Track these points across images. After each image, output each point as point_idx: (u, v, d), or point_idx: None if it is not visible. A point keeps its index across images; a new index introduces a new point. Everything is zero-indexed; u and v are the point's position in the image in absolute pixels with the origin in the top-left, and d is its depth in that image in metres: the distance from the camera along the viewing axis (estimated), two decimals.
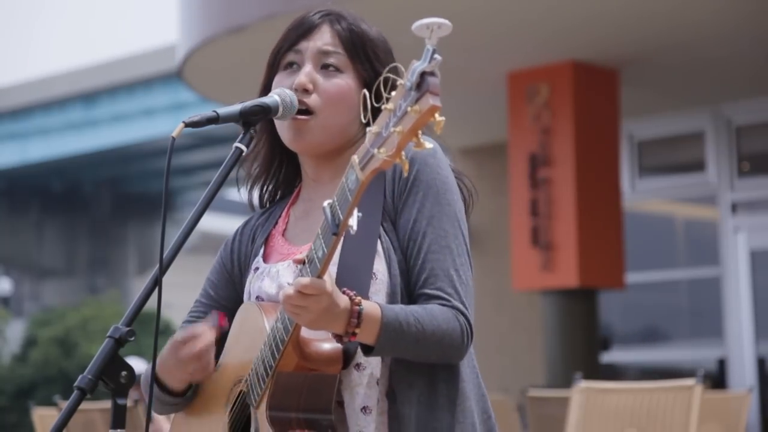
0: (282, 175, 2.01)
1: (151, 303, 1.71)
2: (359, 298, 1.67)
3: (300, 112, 1.85)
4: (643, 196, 9.46)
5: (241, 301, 1.96)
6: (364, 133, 1.87)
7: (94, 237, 32.84)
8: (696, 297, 9.63)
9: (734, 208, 8.91)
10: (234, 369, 1.86)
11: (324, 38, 1.89)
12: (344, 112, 1.86)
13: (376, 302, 1.71)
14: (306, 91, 1.85)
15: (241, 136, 1.82)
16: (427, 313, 1.73)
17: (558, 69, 7.67)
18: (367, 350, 1.71)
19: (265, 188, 2.02)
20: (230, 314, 1.97)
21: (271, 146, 1.97)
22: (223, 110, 1.80)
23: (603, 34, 7.24)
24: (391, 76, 1.48)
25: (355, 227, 1.54)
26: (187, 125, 1.74)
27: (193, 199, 30.50)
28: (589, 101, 7.76)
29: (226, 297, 1.99)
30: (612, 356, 9.38)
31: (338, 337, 1.68)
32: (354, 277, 1.74)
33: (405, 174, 1.50)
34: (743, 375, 8.65)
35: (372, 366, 1.79)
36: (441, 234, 1.79)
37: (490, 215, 9.15)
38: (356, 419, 1.78)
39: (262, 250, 1.95)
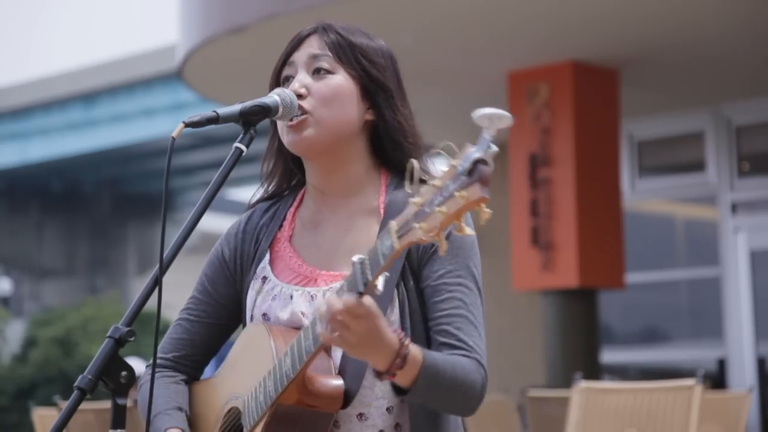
0: (289, 176, 2.01)
1: (151, 303, 1.70)
2: (408, 339, 1.67)
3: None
4: (643, 196, 9.46)
5: (239, 300, 1.95)
6: (365, 135, 1.90)
7: (94, 237, 32.84)
8: (696, 297, 9.64)
9: (734, 208, 8.91)
10: (232, 384, 1.86)
11: (312, 46, 1.91)
12: (338, 109, 1.86)
13: (419, 347, 1.71)
14: (300, 96, 1.86)
15: (241, 136, 1.82)
16: (458, 363, 1.76)
17: (558, 69, 7.68)
18: (400, 392, 1.71)
19: (270, 184, 2.01)
20: (226, 311, 1.97)
21: (279, 146, 1.98)
22: (223, 110, 1.80)
23: (603, 34, 7.24)
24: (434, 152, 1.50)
25: (381, 289, 1.56)
26: (187, 125, 1.74)
27: (193, 199, 30.49)
28: (589, 101, 7.76)
29: (225, 295, 1.97)
30: (612, 356, 9.38)
31: (378, 374, 1.67)
32: None
33: (441, 253, 1.50)
34: (743, 375, 8.65)
35: (374, 417, 1.80)
36: (466, 292, 1.82)
37: (490, 215, 9.15)
38: None
39: (268, 255, 1.93)
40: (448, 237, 1.79)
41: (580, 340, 7.76)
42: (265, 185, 2.01)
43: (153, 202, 32.04)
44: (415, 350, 1.67)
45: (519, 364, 9.46)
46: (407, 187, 1.51)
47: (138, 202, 32.19)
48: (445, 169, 1.43)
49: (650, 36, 7.27)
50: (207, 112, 1.78)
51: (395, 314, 1.80)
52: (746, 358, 8.70)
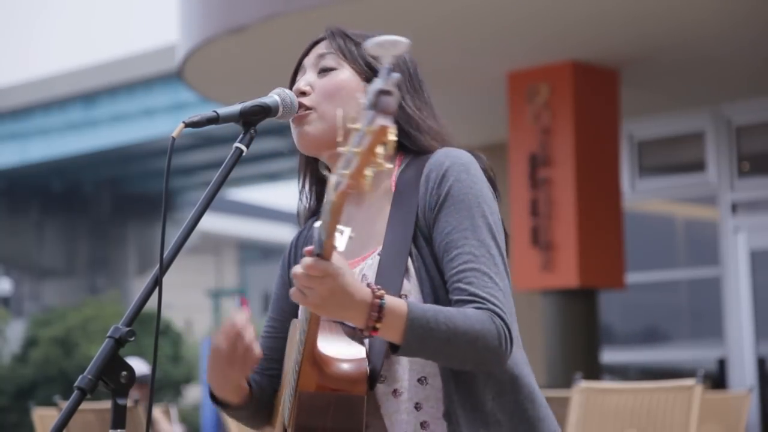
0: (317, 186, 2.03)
1: (152, 303, 1.71)
2: (382, 291, 1.64)
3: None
4: (643, 196, 9.47)
5: None
6: None
7: (95, 237, 32.85)
8: (696, 297, 9.64)
9: (734, 208, 8.92)
10: (285, 385, 1.88)
11: (320, 49, 1.94)
12: (341, 102, 1.87)
13: (404, 299, 1.68)
14: (304, 94, 1.88)
15: (241, 136, 1.82)
16: (460, 313, 1.69)
17: (558, 69, 7.68)
18: (394, 349, 1.68)
19: (306, 197, 2.03)
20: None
21: (317, 178, 2.01)
22: (223, 110, 1.80)
23: (603, 34, 7.24)
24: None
25: (341, 247, 1.54)
26: (187, 125, 1.74)
27: (193, 200, 30.49)
28: (589, 101, 7.76)
29: (290, 310, 1.99)
30: (612, 356, 9.38)
31: (360, 331, 1.65)
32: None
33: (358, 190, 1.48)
34: (743, 375, 8.65)
35: (408, 391, 1.77)
36: (475, 244, 1.76)
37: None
38: None
39: None
40: (452, 194, 1.78)
41: (580, 340, 7.76)
42: (306, 209, 2.03)
43: (153, 202, 32.05)
44: (395, 302, 1.65)
45: None
46: (337, 136, 1.49)
47: (138, 202, 32.19)
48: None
49: (650, 36, 7.27)
50: (207, 112, 1.79)
51: (412, 283, 1.78)
52: (746, 358, 8.71)
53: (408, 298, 1.76)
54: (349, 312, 1.62)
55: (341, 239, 1.53)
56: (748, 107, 8.86)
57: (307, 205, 2.03)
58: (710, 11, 6.84)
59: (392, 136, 1.38)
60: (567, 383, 5.55)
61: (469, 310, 1.70)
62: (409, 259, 1.78)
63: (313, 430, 1.71)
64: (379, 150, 1.39)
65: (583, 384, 4.49)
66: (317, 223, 1.56)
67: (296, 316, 1.98)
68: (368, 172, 1.42)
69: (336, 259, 1.58)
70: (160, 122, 25.12)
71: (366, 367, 1.73)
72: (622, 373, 9.72)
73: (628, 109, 8.39)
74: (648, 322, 10.15)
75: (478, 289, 1.73)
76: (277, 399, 1.99)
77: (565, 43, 7.40)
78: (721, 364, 8.88)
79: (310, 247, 1.61)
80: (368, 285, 1.64)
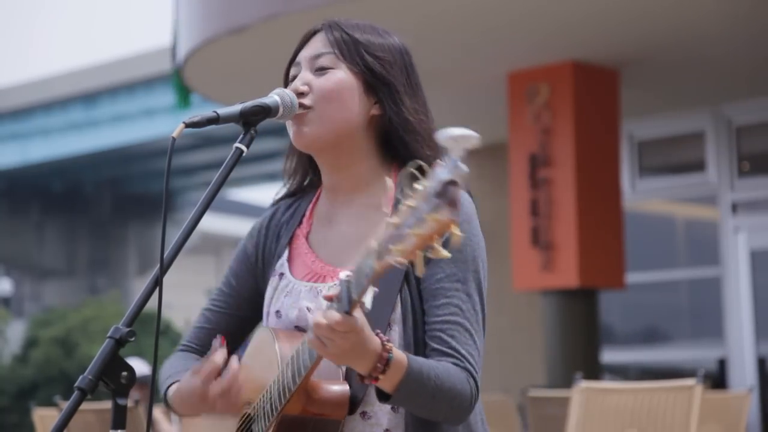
0: (309, 174, 2.02)
1: (152, 303, 1.70)
2: (391, 344, 1.67)
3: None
4: (643, 196, 9.46)
5: (260, 293, 1.97)
6: (373, 131, 1.89)
7: (95, 237, 32.85)
8: (696, 297, 9.63)
9: (734, 208, 8.92)
10: (245, 390, 1.86)
11: (316, 45, 1.92)
12: (339, 103, 1.87)
13: (404, 353, 1.71)
14: (302, 94, 1.87)
15: (241, 136, 1.82)
16: (445, 371, 1.74)
17: (558, 69, 7.68)
18: (383, 397, 1.71)
19: (290, 181, 2.03)
20: (248, 304, 2.00)
21: (304, 160, 2.01)
22: (223, 111, 1.80)
23: (603, 34, 7.24)
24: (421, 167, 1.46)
25: (368, 306, 1.57)
26: (187, 126, 1.73)
27: (194, 200, 30.49)
28: (589, 101, 7.76)
29: (247, 288, 2.00)
30: (612, 356, 9.38)
31: (360, 377, 1.68)
32: (373, 317, 1.72)
33: (418, 273, 1.46)
34: (743, 375, 8.65)
35: (378, 416, 1.80)
36: (464, 298, 1.80)
37: (491, 215, 9.15)
38: None
39: (287, 252, 1.95)
40: (447, 242, 1.78)
41: (580, 340, 7.76)
42: (287, 182, 2.03)
43: (153, 203, 32.05)
44: (399, 356, 1.67)
45: (519, 364, 9.46)
46: (383, 207, 1.50)
47: (138, 202, 32.20)
48: (419, 188, 1.41)
49: (650, 36, 7.27)
50: (207, 112, 1.78)
51: (397, 315, 1.80)
52: (746, 358, 8.70)
53: (391, 328, 1.79)
54: (359, 362, 1.65)
55: (368, 298, 1.56)
56: (748, 107, 8.85)
57: (289, 188, 2.02)
58: (710, 11, 6.83)
59: (456, 230, 1.39)
60: (567, 383, 5.55)
61: (451, 368, 1.75)
62: (399, 294, 1.81)
63: None
64: (437, 238, 1.40)
65: (584, 384, 4.49)
66: (345, 275, 1.57)
67: (251, 298, 1.97)
68: (420, 252, 1.42)
69: (357, 313, 1.61)
70: (160, 122, 25.12)
71: (348, 392, 1.77)
72: (623, 373, 9.72)
73: (628, 109, 8.39)
74: (648, 322, 10.15)
75: (459, 346, 1.77)
76: None
77: (565, 43, 7.40)
78: (722, 364, 8.88)
79: (331, 294, 1.62)
80: (377, 334, 1.66)
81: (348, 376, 1.78)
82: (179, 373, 1.91)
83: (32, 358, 24.25)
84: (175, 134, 1.71)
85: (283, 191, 2.03)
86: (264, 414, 1.78)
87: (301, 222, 1.97)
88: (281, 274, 1.93)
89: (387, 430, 1.81)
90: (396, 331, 1.80)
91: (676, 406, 4.23)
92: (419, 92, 1.94)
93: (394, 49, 1.93)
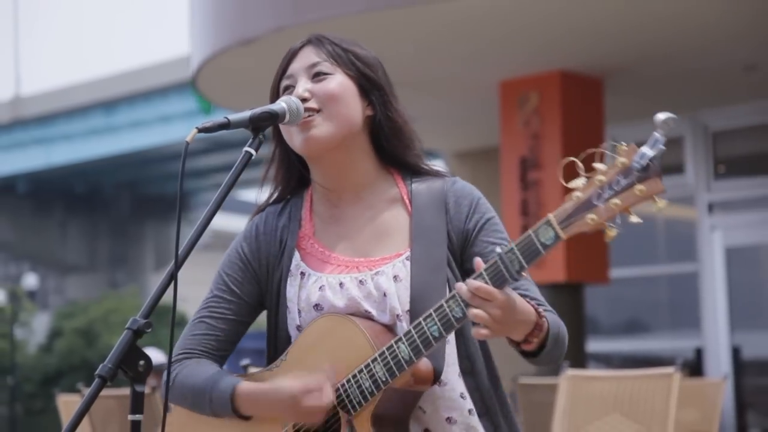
0: (293, 179, 1.99)
1: (167, 297, 1.70)
2: (542, 308, 1.76)
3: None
4: None
5: (261, 298, 1.94)
6: (366, 131, 1.89)
7: (115, 235, 32.84)
8: (675, 291, 9.63)
9: (711, 208, 8.91)
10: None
11: (309, 56, 1.91)
12: (344, 104, 1.86)
13: (541, 311, 1.76)
14: (305, 100, 1.86)
15: (250, 140, 1.81)
16: (556, 320, 1.82)
17: (547, 78, 7.67)
18: (528, 354, 1.78)
19: (277, 188, 2.00)
20: (249, 309, 1.95)
21: (283, 152, 1.97)
22: (233, 117, 1.79)
23: (589, 46, 7.24)
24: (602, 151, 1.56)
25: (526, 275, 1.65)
26: (200, 131, 1.73)
27: (206, 200, 30.46)
28: (576, 108, 7.76)
29: (249, 293, 1.95)
30: (597, 346, 9.37)
31: (514, 343, 1.74)
32: (427, 306, 1.73)
33: (608, 239, 1.56)
34: (719, 363, 8.64)
35: (453, 383, 1.84)
36: None
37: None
38: (442, 428, 1.84)
39: (297, 253, 1.92)
40: (490, 220, 1.91)
41: (567, 331, 7.75)
42: (272, 189, 2.00)
43: (169, 203, 32.03)
44: (544, 319, 1.75)
45: (510, 353, 9.40)
46: (575, 182, 1.55)
47: (155, 202, 32.19)
48: (605, 167, 1.51)
49: (633, 48, 7.26)
50: (219, 118, 1.77)
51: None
52: (722, 347, 8.70)
53: None
54: (517, 330, 1.71)
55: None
56: (723, 114, 8.85)
57: (280, 195, 1.99)
58: (689, 25, 6.83)
59: (661, 198, 1.50)
60: (555, 371, 5.55)
61: (555, 317, 1.83)
62: (449, 271, 1.84)
63: (382, 417, 1.77)
64: (634, 207, 1.51)
65: (570, 372, 4.48)
66: (502, 250, 1.64)
67: (254, 303, 1.93)
68: (621, 215, 1.53)
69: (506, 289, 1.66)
70: (175, 128, 25.12)
71: (431, 366, 1.79)
72: (607, 361, 9.71)
73: (612, 116, 8.39)
74: (630, 314, 10.15)
75: (537, 296, 1.87)
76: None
77: (553, 55, 7.40)
78: (698, 353, 8.87)
79: (484, 275, 1.67)
80: (529, 302, 1.72)
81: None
82: (225, 375, 1.85)
83: (56, 348, 24.25)
84: (188, 139, 1.71)
85: (275, 196, 1.99)
86: (361, 391, 1.76)
87: (301, 225, 1.95)
88: (302, 273, 1.89)
89: (462, 393, 1.85)
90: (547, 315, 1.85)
91: (656, 393, 4.22)
92: (397, 97, 1.95)
93: (375, 59, 1.95)
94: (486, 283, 1.62)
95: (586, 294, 8.01)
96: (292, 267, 1.91)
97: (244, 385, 1.82)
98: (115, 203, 32.41)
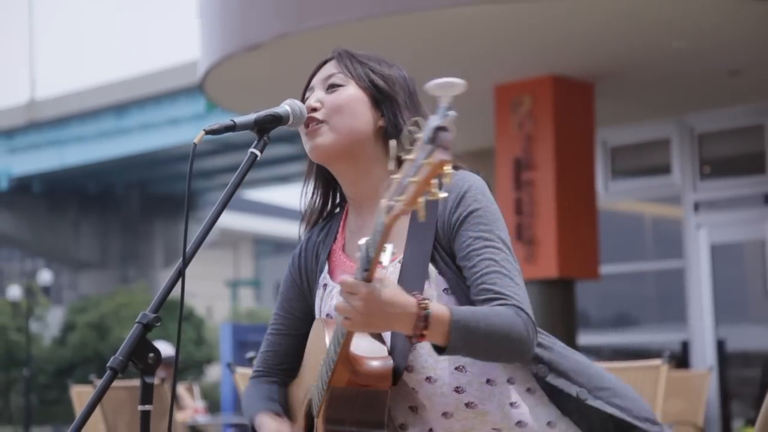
0: (330, 197, 2.01)
1: (176, 292, 1.70)
2: (427, 301, 1.61)
3: (308, 126, 1.87)
4: (615, 196, 9.46)
5: (312, 313, 1.96)
6: (381, 141, 1.88)
7: (125, 233, 32.85)
8: (662, 286, 9.63)
9: (696, 207, 8.91)
10: (306, 379, 1.87)
11: (329, 68, 1.92)
12: (349, 115, 1.86)
13: (445, 305, 1.67)
14: (315, 110, 1.87)
15: (255, 142, 1.81)
16: (492, 311, 1.69)
17: (540, 82, 7.67)
18: (440, 350, 1.66)
19: (318, 211, 2.01)
20: (302, 323, 1.97)
21: (323, 182, 1.98)
22: (239, 119, 1.79)
23: (580, 52, 7.24)
24: (414, 128, 1.44)
25: (386, 263, 1.54)
26: (207, 133, 1.73)
27: (213, 199, 30.48)
28: (568, 111, 7.75)
29: (298, 308, 1.98)
30: (588, 339, 9.37)
31: (408, 338, 1.64)
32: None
33: (420, 218, 1.43)
34: (704, 356, 8.65)
35: (444, 378, 1.78)
36: (494, 251, 1.76)
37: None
38: (439, 423, 1.80)
39: (326, 267, 1.93)
40: (472, 213, 1.79)
41: (559, 325, 7.75)
42: (312, 211, 2.00)
43: (177, 202, 32.03)
44: (439, 309, 1.63)
45: None
46: (389, 165, 1.48)
47: (164, 201, 32.20)
48: (415, 147, 1.40)
49: (622, 53, 7.26)
50: (225, 120, 1.77)
51: (433, 287, 1.78)
52: (707, 340, 8.70)
53: (432, 299, 1.76)
54: (397, 323, 1.61)
55: (386, 256, 1.53)
56: (709, 117, 8.85)
57: (314, 207, 2.01)
58: (676, 33, 6.83)
59: (449, 169, 1.37)
60: None
61: (498, 308, 1.70)
62: (431, 266, 1.78)
63: (342, 422, 1.71)
64: (434, 181, 1.38)
65: None
66: (362, 241, 1.55)
67: (305, 317, 1.97)
68: (421, 199, 1.40)
69: (381, 273, 1.57)
70: (183, 130, 25.12)
71: (391, 365, 1.73)
72: (597, 354, 9.71)
73: (602, 119, 8.39)
74: (620, 309, 10.15)
75: (502, 288, 1.73)
76: (291, 393, 1.97)
77: (546, 60, 7.39)
78: (685, 346, 8.87)
79: (355, 263, 1.61)
80: (413, 295, 1.62)
81: (392, 351, 1.76)
82: (259, 401, 1.92)
83: (70, 341, 24.26)
84: (196, 140, 1.70)
85: (315, 217, 2.00)
86: (317, 392, 1.77)
87: (335, 238, 1.96)
88: (325, 285, 1.92)
89: (457, 387, 1.79)
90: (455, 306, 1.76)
91: (644, 384, 4.22)
92: (421, 112, 1.91)
93: (398, 74, 1.93)
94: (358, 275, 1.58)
95: (577, 289, 8.01)
96: (320, 279, 1.93)
97: (257, 421, 1.90)
98: (125, 202, 32.41)
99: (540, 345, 1.83)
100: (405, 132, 1.85)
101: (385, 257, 1.53)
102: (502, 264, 1.75)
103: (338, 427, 1.71)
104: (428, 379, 1.79)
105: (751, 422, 7.61)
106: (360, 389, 1.71)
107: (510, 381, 1.80)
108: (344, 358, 1.69)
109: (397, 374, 1.74)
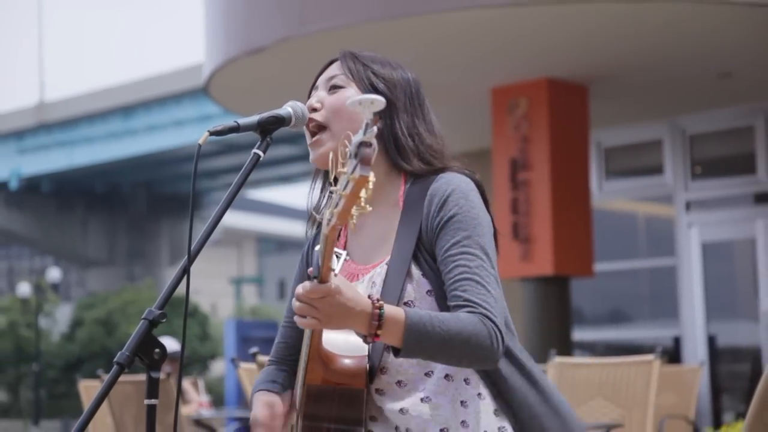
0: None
1: (181, 289, 1.70)
2: (381, 302, 1.61)
3: (314, 134, 1.86)
4: (609, 196, 9.46)
5: None
6: (380, 141, 1.87)
7: (132, 232, 32.85)
8: (655, 283, 9.63)
9: (688, 206, 8.91)
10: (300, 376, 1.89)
11: (333, 70, 1.91)
12: (348, 117, 1.84)
13: (402, 307, 1.66)
14: (315, 110, 1.86)
15: (258, 143, 1.81)
16: (453, 317, 1.67)
17: (535, 85, 7.67)
18: (396, 351, 1.65)
19: (318, 197, 2.01)
20: None
21: (329, 183, 1.98)
22: (242, 121, 1.78)
23: (574, 55, 7.24)
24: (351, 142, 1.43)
25: (337, 270, 1.55)
26: (211, 134, 1.72)
27: (217, 199, 30.47)
28: (563, 113, 7.75)
29: None
30: (582, 335, 9.37)
31: (364, 338, 1.63)
32: (388, 298, 1.72)
33: (352, 229, 1.44)
34: (695, 351, 8.64)
35: (413, 383, 1.77)
36: (470, 258, 1.74)
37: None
38: (397, 418, 1.78)
39: None
40: (452, 218, 1.77)
41: (554, 321, 7.75)
42: (315, 200, 2.00)
43: (182, 201, 32.05)
44: (393, 310, 1.62)
45: None
46: (330, 176, 1.48)
47: (169, 201, 32.20)
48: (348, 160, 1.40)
49: (616, 57, 7.26)
50: (229, 122, 1.77)
51: (415, 289, 1.77)
52: (698, 336, 8.70)
53: (414, 303, 1.75)
54: (352, 323, 1.60)
55: (337, 263, 1.53)
56: (700, 119, 8.85)
57: (320, 207, 1.99)
58: (667, 37, 6.83)
59: (371, 185, 1.36)
60: (543, 359, 5.55)
61: (461, 314, 1.68)
62: (414, 267, 1.77)
63: (320, 418, 1.70)
64: (362, 194, 1.38)
65: (557, 359, 4.48)
66: (317, 248, 1.55)
67: None
68: (354, 211, 1.40)
69: (333, 279, 1.57)
70: (188, 132, 25.12)
71: (366, 364, 1.72)
72: (591, 349, 9.71)
73: (597, 120, 8.38)
74: (613, 305, 10.15)
75: (471, 296, 1.70)
76: (297, 382, 1.97)
77: (541, 63, 7.39)
78: (677, 341, 8.87)
79: (310, 270, 1.61)
80: (369, 296, 1.62)
81: (371, 351, 1.75)
82: (260, 384, 1.93)
83: (78, 337, 24.26)
84: (200, 141, 1.70)
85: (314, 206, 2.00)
86: (299, 390, 1.77)
87: (339, 236, 1.94)
88: None
89: (427, 396, 1.77)
90: (416, 302, 1.76)
91: (637, 378, 4.22)
92: (423, 114, 1.90)
93: (401, 76, 1.91)
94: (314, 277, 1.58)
95: (572, 286, 8.01)
96: None
97: (253, 399, 1.92)
98: (132, 202, 32.41)
99: (521, 367, 1.81)
100: (401, 137, 1.85)
101: (336, 264, 1.54)
102: (476, 271, 1.73)
103: (316, 423, 1.70)
104: (398, 383, 1.78)
105: (741, 416, 7.61)
106: (336, 387, 1.70)
107: (466, 381, 1.79)
108: (315, 356, 1.68)
109: (372, 373, 1.73)
